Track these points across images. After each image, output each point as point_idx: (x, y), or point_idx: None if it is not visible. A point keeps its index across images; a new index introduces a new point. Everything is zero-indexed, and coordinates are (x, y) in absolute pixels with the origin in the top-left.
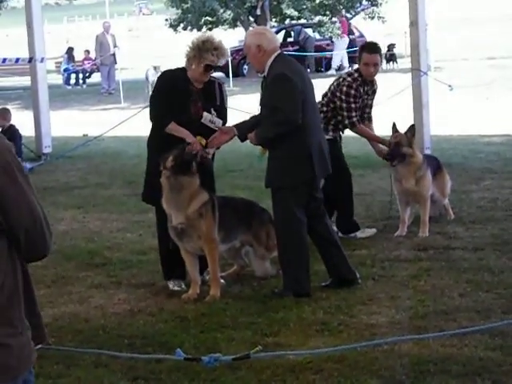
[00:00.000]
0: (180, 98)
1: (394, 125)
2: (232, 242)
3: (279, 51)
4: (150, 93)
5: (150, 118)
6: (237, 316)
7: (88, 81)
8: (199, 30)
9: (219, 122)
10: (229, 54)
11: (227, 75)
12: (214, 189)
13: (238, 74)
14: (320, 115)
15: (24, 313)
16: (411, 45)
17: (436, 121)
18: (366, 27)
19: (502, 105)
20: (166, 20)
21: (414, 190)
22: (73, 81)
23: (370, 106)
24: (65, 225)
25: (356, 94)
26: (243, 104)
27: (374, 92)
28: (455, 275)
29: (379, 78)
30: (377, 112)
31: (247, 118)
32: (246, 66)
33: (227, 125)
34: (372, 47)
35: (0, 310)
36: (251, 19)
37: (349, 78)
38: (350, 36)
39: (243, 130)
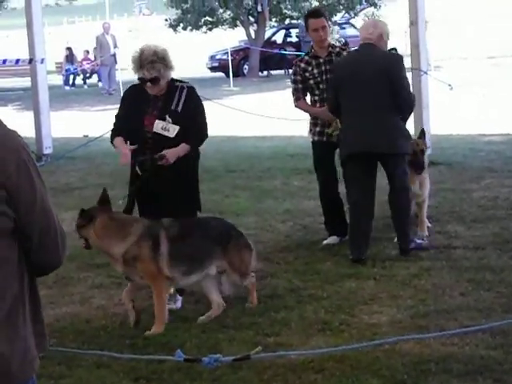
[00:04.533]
0: (136, 111)
1: (423, 131)
2: (205, 271)
3: (361, 42)
4: None
5: None
6: (238, 316)
7: (88, 81)
8: (198, 29)
9: (174, 128)
10: (159, 67)
11: (227, 75)
12: (194, 199)
13: (238, 73)
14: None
15: (29, 319)
16: (411, 44)
17: (436, 120)
18: None
19: (502, 104)
20: (166, 20)
21: (418, 193)
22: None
23: None
24: (66, 226)
25: (296, 70)
26: (243, 104)
27: None
28: (456, 274)
29: None
30: None
31: (247, 117)
32: (246, 66)
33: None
34: (316, 12)
35: (5, 314)
36: (251, 19)
37: None
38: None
39: None
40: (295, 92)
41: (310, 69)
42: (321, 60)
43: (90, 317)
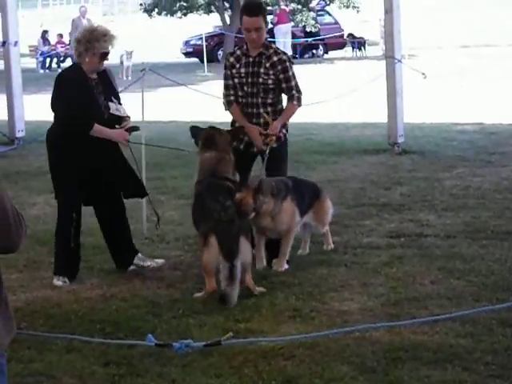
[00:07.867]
0: (88, 96)
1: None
2: None
3: None
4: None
5: (63, 123)
6: (209, 302)
7: (62, 65)
8: (173, 15)
9: (123, 109)
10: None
11: (201, 61)
12: None
13: (212, 59)
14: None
15: None
16: (386, 32)
17: (409, 108)
18: (341, 15)
19: (476, 93)
20: (141, 5)
21: (271, 228)
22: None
23: (288, 89)
24: (37, 209)
25: (226, 64)
26: (217, 90)
27: (274, 66)
28: (427, 262)
29: (353, 65)
30: (352, 99)
31: (220, 103)
32: (220, 52)
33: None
34: (251, 8)
35: None
36: (226, 5)
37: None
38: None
39: None
40: (226, 90)
41: (237, 66)
42: (250, 59)
43: (60, 301)
